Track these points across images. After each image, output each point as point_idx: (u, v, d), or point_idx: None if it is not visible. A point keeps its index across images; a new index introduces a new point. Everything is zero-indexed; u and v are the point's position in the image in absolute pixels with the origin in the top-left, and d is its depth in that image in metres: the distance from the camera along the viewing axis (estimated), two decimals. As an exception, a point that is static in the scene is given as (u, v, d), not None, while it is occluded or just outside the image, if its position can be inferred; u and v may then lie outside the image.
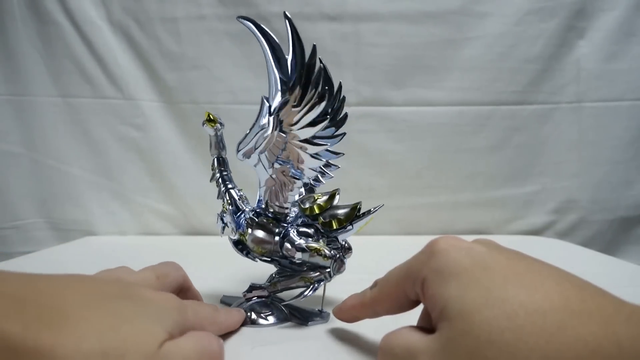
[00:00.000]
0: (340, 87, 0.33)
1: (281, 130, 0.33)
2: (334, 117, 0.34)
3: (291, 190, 0.35)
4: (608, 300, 0.18)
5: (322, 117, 0.33)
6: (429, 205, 0.77)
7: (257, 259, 0.37)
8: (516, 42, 0.72)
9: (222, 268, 0.49)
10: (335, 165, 0.36)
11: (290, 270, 0.36)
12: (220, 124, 0.37)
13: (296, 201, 0.36)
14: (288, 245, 0.34)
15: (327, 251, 0.34)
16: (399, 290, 0.25)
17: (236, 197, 0.37)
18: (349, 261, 0.36)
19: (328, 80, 0.32)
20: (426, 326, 0.24)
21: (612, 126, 0.75)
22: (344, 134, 0.34)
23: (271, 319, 0.35)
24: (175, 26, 0.71)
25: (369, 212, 0.35)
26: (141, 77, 0.73)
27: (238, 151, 0.34)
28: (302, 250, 0.34)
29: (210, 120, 0.36)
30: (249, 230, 0.35)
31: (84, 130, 0.73)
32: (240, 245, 0.37)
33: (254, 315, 0.35)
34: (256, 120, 0.33)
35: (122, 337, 0.19)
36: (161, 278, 0.28)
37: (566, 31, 0.72)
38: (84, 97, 0.72)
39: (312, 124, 0.33)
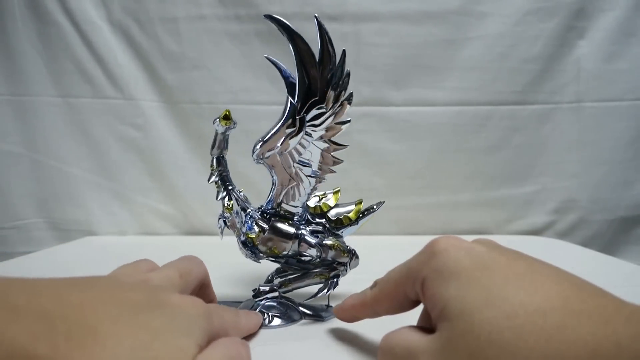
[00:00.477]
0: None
1: (306, 132, 0.34)
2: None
3: (311, 190, 0.36)
4: (608, 300, 0.18)
5: (346, 120, 0.34)
6: (429, 205, 0.77)
7: (262, 259, 0.37)
8: (516, 42, 0.72)
9: (223, 268, 0.49)
10: (339, 160, 0.36)
11: (297, 269, 0.37)
12: (235, 123, 0.36)
13: (305, 201, 0.36)
14: (310, 242, 0.35)
15: (346, 247, 0.36)
16: (399, 290, 0.25)
17: (241, 197, 0.37)
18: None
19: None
20: (426, 326, 0.24)
21: (611, 126, 0.75)
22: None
23: (286, 319, 0.35)
24: (175, 26, 0.71)
25: (372, 208, 0.38)
26: (141, 77, 0.73)
27: (254, 152, 0.34)
28: (327, 248, 0.35)
29: (226, 118, 0.35)
30: (260, 231, 0.35)
31: (84, 131, 0.73)
32: (247, 246, 0.36)
33: (270, 317, 0.35)
34: (281, 121, 0.33)
35: (153, 356, 0.18)
36: (184, 276, 0.27)
37: (566, 31, 0.72)
38: (84, 97, 0.72)
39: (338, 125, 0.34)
